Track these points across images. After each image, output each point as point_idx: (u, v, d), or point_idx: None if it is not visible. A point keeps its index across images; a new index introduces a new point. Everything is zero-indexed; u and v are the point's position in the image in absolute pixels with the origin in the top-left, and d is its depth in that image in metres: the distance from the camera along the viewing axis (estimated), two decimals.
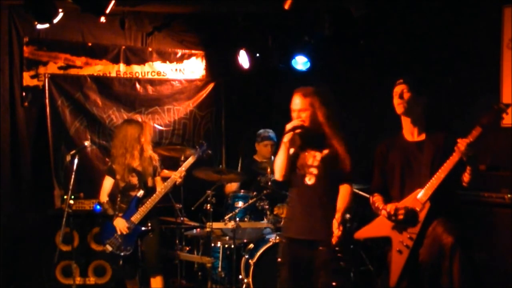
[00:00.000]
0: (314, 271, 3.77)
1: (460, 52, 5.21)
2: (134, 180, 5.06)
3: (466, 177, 3.53)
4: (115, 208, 5.06)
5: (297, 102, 3.82)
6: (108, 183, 5.10)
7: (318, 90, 3.87)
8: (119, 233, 4.95)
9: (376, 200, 3.84)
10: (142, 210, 4.96)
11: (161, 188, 5.04)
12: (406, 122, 3.78)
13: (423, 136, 3.75)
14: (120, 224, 4.96)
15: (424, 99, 3.73)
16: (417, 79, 3.76)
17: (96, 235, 5.67)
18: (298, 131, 3.76)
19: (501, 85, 4.91)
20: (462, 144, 3.40)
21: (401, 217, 3.62)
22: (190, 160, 5.14)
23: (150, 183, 5.11)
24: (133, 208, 4.99)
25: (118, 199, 5.09)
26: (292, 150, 3.83)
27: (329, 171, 3.78)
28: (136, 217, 4.95)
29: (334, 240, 3.66)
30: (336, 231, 3.66)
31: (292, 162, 3.82)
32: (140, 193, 5.02)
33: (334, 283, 3.70)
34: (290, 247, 3.85)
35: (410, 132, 3.79)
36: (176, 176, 5.04)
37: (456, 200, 3.82)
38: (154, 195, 5.00)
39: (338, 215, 3.71)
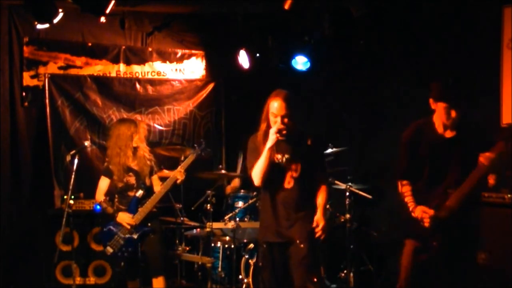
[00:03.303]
0: (291, 268, 3.87)
1: (460, 52, 5.20)
2: (132, 180, 5.02)
3: (491, 179, 3.61)
4: (113, 206, 5.00)
5: (280, 106, 3.81)
6: (104, 183, 5.04)
7: (291, 94, 3.89)
8: (127, 227, 4.87)
9: (405, 191, 3.86)
10: (143, 211, 4.93)
11: (160, 188, 5.02)
12: (441, 117, 3.78)
13: (454, 133, 3.76)
14: (125, 218, 4.89)
15: (461, 104, 3.75)
16: (458, 90, 3.77)
17: (96, 235, 5.67)
18: (284, 132, 3.79)
19: (501, 85, 4.91)
20: (484, 160, 3.50)
21: (427, 225, 3.70)
22: (189, 159, 5.13)
23: (148, 183, 5.09)
24: (133, 208, 4.95)
25: (116, 200, 5.03)
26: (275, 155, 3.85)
27: (306, 174, 3.88)
28: (136, 218, 4.93)
29: (320, 232, 3.82)
30: (320, 224, 3.82)
31: (271, 166, 3.85)
32: (140, 193, 4.98)
33: (315, 279, 3.81)
34: (269, 251, 3.93)
35: (444, 127, 3.78)
36: (176, 175, 5.03)
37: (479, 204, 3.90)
38: (154, 195, 4.97)
39: (319, 212, 3.88)
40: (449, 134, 3.78)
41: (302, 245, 3.82)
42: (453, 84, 3.77)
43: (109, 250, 4.93)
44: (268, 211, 3.97)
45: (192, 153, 5.17)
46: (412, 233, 3.85)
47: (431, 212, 3.69)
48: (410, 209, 3.80)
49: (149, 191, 5.03)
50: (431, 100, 3.80)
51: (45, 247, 5.64)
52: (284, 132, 3.79)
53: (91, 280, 5.67)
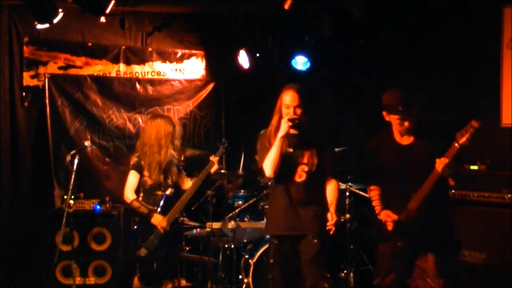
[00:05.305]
0: (302, 264, 3.87)
1: (460, 52, 5.21)
2: (162, 178, 4.87)
3: (451, 182, 3.78)
4: (147, 206, 4.80)
5: (293, 98, 3.87)
6: (135, 179, 4.83)
7: (305, 89, 3.96)
8: (161, 230, 4.73)
9: (373, 196, 4.01)
10: (175, 210, 4.80)
11: (190, 187, 4.92)
12: (396, 128, 3.92)
13: (411, 139, 3.89)
14: (161, 222, 4.73)
15: (415, 111, 3.86)
16: (408, 100, 3.84)
17: (96, 235, 5.65)
18: (296, 122, 3.81)
19: (501, 85, 4.91)
20: (439, 165, 3.61)
21: (390, 228, 3.85)
22: (218, 154, 5.10)
23: (175, 180, 4.99)
24: (164, 208, 4.79)
25: (140, 198, 4.88)
26: (286, 147, 3.88)
27: (317, 169, 3.89)
28: (172, 215, 4.78)
29: (330, 226, 3.85)
30: (333, 219, 3.85)
31: (283, 159, 3.86)
32: (170, 191, 4.85)
33: (327, 275, 3.82)
34: (279, 246, 3.93)
35: (400, 135, 3.92)
36: (211, 164, 4.97)
37: (445, 202, 4.02)
38: (184, 194, 4.87)
39: (332, 208, 3.90)
40: (406, 141, 3.91)
41: (315, 241, 3.83)
42: (404, 95, 3.86)
43: (143, 251, 4.76)
44: (278, 204, 3.96)
45: (217, 152, 5.14)
46: (381, 236, 3.97)
47: (395, 216, 3.82)
48: (376, 212, 3.94)
49: (177, 189, 4.96)
50: (384, 113, 3.93)
51: (45, 247, 5.63)
52: (296, 121, 3.82)
53: (91, 280, 5.66)
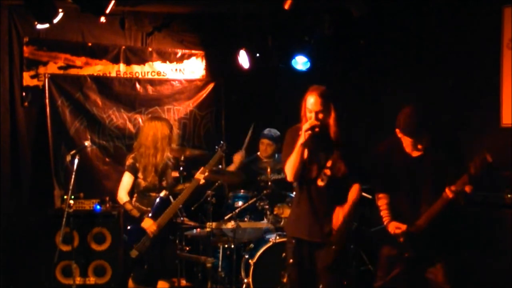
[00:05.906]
0: (318, 271, 3.83)
1: (460, 52, 5.21)
2: (156, 180, 4.91)
3: (461, 202, 3.79)
4: (140, 209, 4.86)
5: (316, 102, 3.76)
6: (129, 180, 4.88)
7: (330, 91, 3.85)
8: (150, 235, 4.77)
9: (381, 205, 3.98)
10: (169, 213, 4.82)
11: (183, 192, 4.92)
12: (407, 146, 3.90)
13: (420, 152, 3.87)
14: (150, 226, 4.76)
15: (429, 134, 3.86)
16: (425, 125, 3.86)
17: (96, 235, 5.66)
18: (317, 130, 3.73)
19: (501, 85, 4.91)
20: (450, 192, 3.68)
21: (401, 240, 3.86)
22: (213, 160, 5.07)
23: (169, 182, 5.00)
24: (158, 209, 4.81)
25: (134, 199, 4.92)
26: (306, 152, 3.80)
27: (340, 173, 3.82)
28: (163, 220, 4.81)
29: (334, 230, 3.77)
30: (339, 221, 3.77)
31: (304, 163, 3.80)
32: (164, 193, 4.87)
33: (345, 282, 3.80)
34: (298, 248, 3.87)
35: (410, 147, 3.88)
36: (200, 177, 4.91)
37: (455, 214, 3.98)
38: (178, 198, 4.87)
39: (342, 212, 3.80)
40: (415, 153, 3.90)
41: (333, 248, 3.77)
42: (422, 119, 3.84)
43: (135, 252, 4.80)
44: (300, 206, 3.92)
45: (215, 154, 5.10)
46: (386, 240, 3.97)
47: (403, 227, 3.83)
48: (385, 223, 3.93)
49: (171, 191, 4.96)
50: (397, 131, 3.90)
51: (45, 247, 5.63)
52: (317, 129, 3.73)
53: (91, 280, 5.67)
